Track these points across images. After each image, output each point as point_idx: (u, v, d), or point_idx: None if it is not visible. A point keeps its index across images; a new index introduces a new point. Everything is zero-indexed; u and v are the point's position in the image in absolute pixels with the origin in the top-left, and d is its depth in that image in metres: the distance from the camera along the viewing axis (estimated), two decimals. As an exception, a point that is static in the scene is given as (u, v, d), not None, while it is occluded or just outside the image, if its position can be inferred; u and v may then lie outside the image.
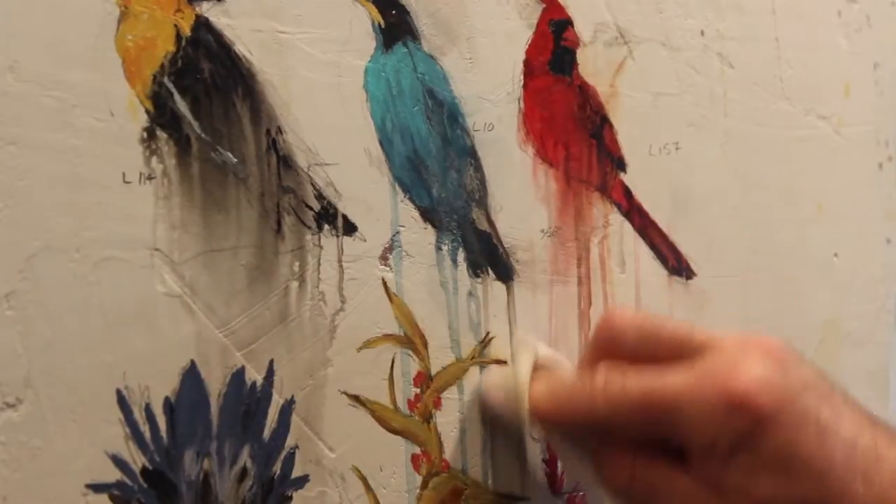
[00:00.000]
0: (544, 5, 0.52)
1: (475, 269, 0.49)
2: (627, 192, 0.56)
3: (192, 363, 0.41)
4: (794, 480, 0.39)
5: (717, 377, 0.40)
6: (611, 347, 0.44)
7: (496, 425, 0.49)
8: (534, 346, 0.48)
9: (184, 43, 0.41)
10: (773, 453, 0.39)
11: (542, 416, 0.45)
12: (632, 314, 0.44)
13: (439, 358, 0.48)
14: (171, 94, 0.41)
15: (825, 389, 0.41)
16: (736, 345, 0.41)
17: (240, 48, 0.42)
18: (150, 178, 0.40)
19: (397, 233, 0.47)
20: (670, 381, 0.41)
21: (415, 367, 0.47)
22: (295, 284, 0.44)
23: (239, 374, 0.42)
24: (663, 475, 0.42)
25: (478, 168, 0.50)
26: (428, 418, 0.48)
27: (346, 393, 0.45)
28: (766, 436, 0.39)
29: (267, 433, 0.43)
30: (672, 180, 0.57)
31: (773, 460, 0.39)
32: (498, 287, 0.50)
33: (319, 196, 0.45)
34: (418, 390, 0.48)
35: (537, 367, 0.46)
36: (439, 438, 0.48)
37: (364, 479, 0.46)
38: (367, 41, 0.46)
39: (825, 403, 0.41)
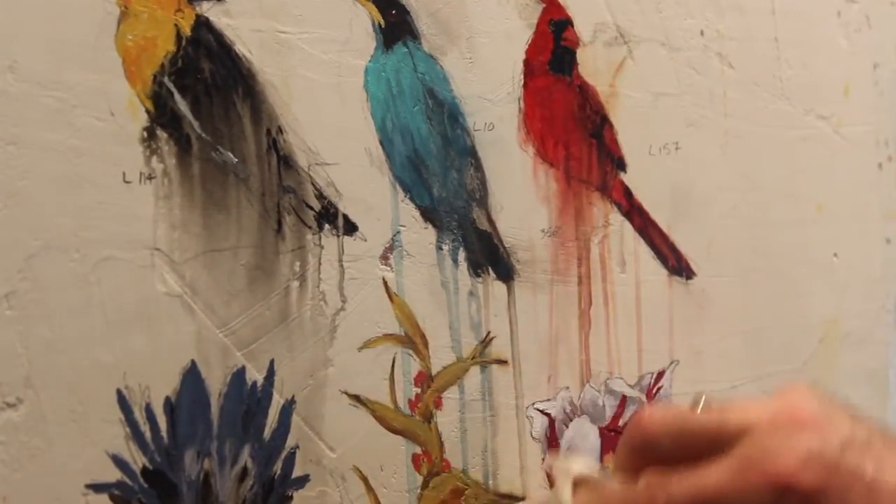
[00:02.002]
0: (544, 5, 0.52)
1: (476, 269, 0.49)
2: (627, 192, 0.56)
3: (193, 363, 0.41)
4: None
5: (759, 464, 0.40)
6: (647, 454, 0.44)
7: None
8: (568, 465, 0.47)
9: (184, 43, 0.41)
10: None
11: None
12: (661, 416, 0.44)
13: (440, 357, 0.48)
14: (172, 94, 0.41)
15: (864, 439, 0.42)
16: (769, 423, 0.42)
17: (240, 48, 0.42)
18: (150, 177, 0.40)
19: (398, 232, 0.47)
20: (713, 478, 0.41)
21: (416, 366, 0.47)
22: (295, 284, 0.44)
23: (239, 374, 0.42)
24: None
25: (478, 168, 0.50)
26: (429, 418, 0.48)
27: (346, 393, 0.45)
28: None
29: (267, 433, 0.43)
30: (672, 180, 0.57)
31: None
32: (498, 286, 0.50)
33: (320, 196, 0.45)
34: (419, 390, 0.48)
35: (577, 484, 0.46)
36: (440, 438, 0.48)
37: (365, 479, 0.46)
38: (367, 41, 0.46)
39: (867, 457, 0.41)
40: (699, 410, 0.46)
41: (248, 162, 0.43)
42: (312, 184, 0.44)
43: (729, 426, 0.43)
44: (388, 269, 0.46)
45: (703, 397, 0.48)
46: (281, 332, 0.43)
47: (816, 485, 0.40)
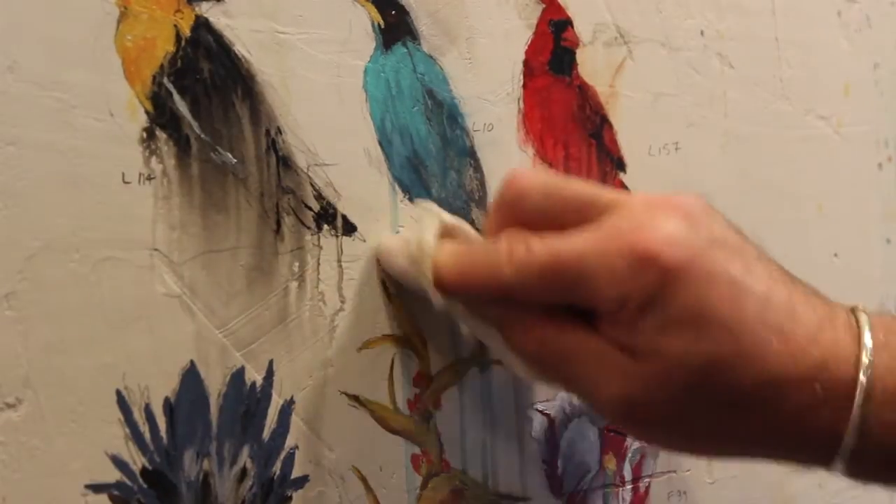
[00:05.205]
0: (544, 5, 0.52)
1: (475, 270, 0.49)
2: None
3: (192, 363, 0.41)
4: (706, 337, 0.38)
5: (623, 235, 0.39)
6: (515, 211, 0.42)
7: (398, 288, 0.47)
8: (438, 214, 0.45)
9: (183, 43, 0.41)
10: (682, 310, 0.38)
11: (446, 284, 0.42)
12: (535, 174, 0.43)
13: (439, 358, 0.48)
14: (171, 95, 0.41)
15: (737, 244, 0.40)
16: (643, 203, 0.40)
17: (239, 48, 0.42)
18: (149, 178, 0.40)
19: (397, 233, 0.47)
20: (575, 242, 0.39)
21: (414, 367, 0.47)
22: (294, 285, 0.44)
23: (238, 375, 0.42)
24: (573, 339, 0.40)
25: (477, 168, 0.50)
26: (428, 418, 0.48)
27: (345, 393, 0.45)
28: (675, 292, 0.38)
29: (267, 433, 0.43)
30: (672, 180, 0.57)
31: (683, 317, 0.38)
32: (498, 287, 0.50)
33: (319, 196, 0.45)
34: (418, 390, 0.48)
35: (442, 235, 0.44)
36: (439, 438, 0.48)
37: (364, 480, 0.46)
38: (366, 41, 0.46)
39: (736, 258, 0.39)
40: None
41: (248, 162, 0.43)
42: (311, 184, 0.44)
43: (602, 198, 0.41)
44: (388, 269, 0.46)
45: None
46: (280, 332, 0.43)
47: (677, 265, 0.38)
